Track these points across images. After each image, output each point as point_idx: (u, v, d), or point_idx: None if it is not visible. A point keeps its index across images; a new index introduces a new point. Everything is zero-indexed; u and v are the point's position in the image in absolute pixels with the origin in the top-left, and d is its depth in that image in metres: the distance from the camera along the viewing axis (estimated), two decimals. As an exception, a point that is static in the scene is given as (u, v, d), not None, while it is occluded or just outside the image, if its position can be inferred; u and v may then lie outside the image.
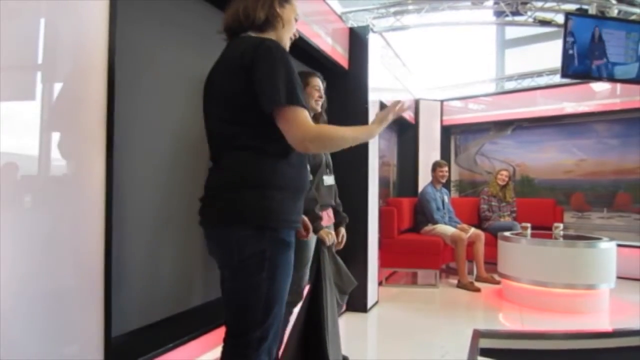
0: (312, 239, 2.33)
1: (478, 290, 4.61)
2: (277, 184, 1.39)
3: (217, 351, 2.10)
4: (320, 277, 2.15)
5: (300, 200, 1.50)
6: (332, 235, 2.31)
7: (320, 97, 2.41)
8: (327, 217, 2.54)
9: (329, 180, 2.52)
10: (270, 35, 1.48)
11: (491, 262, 4.89)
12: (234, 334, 1.43)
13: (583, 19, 3.97)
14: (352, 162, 3.46)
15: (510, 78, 6.96)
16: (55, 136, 1.32)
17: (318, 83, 2.42)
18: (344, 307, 2.46)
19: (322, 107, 2.48)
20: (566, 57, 3.99)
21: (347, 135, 1.42)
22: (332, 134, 1.40)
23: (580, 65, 4.01)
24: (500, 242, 4.48)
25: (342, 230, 2.66)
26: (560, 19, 4.14)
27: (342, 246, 2.61)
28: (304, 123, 1.33)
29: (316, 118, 2.49)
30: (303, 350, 2.17)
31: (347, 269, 2.36)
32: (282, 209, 1.39)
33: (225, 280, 1.45)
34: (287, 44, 1.55)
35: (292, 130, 1.33)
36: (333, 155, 2.60)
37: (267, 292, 1.37)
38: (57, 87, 1.33)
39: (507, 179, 5.70)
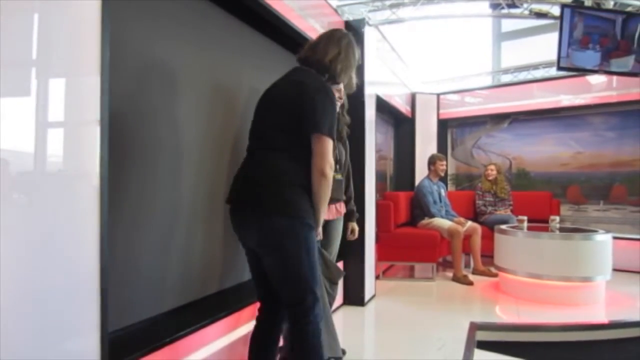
0: (339, 220, 2.68)
1: (471, 283, 4.63)
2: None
3: (214, 346, 2.11)
4: None
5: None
6: (320, 232, 2.35)
7: (340, 98, 2.53)
8: (336, 210, 2.61)
9: (337, 175, 2.60)
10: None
11: (488, 255, 4.91)
12: (292, 303, 1.75)
13: (579, 11, 3.96)
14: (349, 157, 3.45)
15: (506, 71, 6.97)
16: (51, 133, 1.31)
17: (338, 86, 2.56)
18: (336, 297, 2.51)
19: (342, 108, 2.65)
20: (562, 50, 3.99)
21: (326, 196, 1.76)
22: (330, 183, 1.74)
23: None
24: (496, 235, 4.49)
25: (352, 225, 2.86)
26: (556, 11, 4.14)
27: (355, 237, 2.90)
28: (331, 153, 1.74)
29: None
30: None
31: (333, 261, 2.40)
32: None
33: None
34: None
35: (324, 153, 1.72)
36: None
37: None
38: (52, 83, 1.31)
39: (495, 173, 5.67)
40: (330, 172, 1.70)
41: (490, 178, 5.64)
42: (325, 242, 2.57)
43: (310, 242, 1.73)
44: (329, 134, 1.71)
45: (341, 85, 2.54)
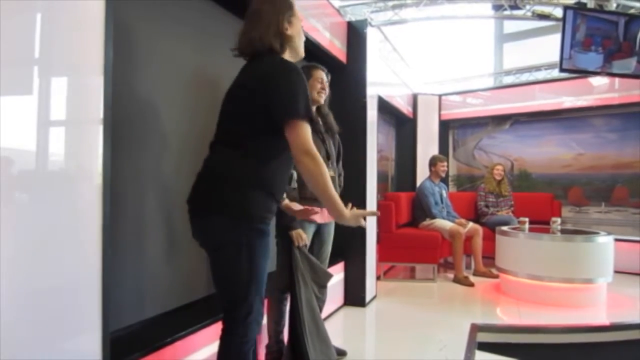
0: (331, 224, 2.57)
1: (472, 284, 4.62)
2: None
3: (216, 346, 2.11)
4: (293, 277, 2.19)
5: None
6: (304, 236, 2.30)
7: (323, 89, 2.44)
8: (327, 215, 2.48)
9: (330, 172, 2.46)
10: (286, 54, 1.69)
11: (489, 257, 4.90)
12: (225, 308, 1.63)
13: (582, 13, 3.96)
14: (350, 157, 3.45)
15: (508, 72, 6.95)
16: (53, 132, 1.31)
17: (321, 75, 2.45)
18: (325, 301, 2.48)
19: (325, 100, 2.51)
20: (565, 51, 3.98)
21: (327, 181, 1.54)
22: (321, 165, 1.52)
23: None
24: (498, 237, 4.49)
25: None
26: (558, 12, 4.13)
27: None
28: (309, 137, 1.53)
29: (319, 110, 2.48)
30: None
31: (320, 264, 2.36)
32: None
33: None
34: (302, 51, 1.78)
35: (299, 140, 1.51)
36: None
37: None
38: (55, 82, 1.32)
39: (502, 173, 5.69)
40: (307, 158, 1.50)
41: (499, 178, 5.64)
42: (318, 245, 2.54)
43: (257, 249, 1.57)
44: (304, 116, 1.52)
45: (322, 74, 2.45)
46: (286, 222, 2.24)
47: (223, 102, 1.71)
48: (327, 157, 2.47)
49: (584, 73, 4.55)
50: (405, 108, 6.20)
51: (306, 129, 1.52)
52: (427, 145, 6.53)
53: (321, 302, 2.40)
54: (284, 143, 1.54)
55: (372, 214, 1.98)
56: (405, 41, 5.92)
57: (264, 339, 2.48)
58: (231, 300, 1.59)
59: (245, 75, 1.68)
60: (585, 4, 4.03)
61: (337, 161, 2.69)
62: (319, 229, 2.48)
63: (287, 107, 1.52)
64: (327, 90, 2.47)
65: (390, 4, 4.34)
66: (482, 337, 1.71)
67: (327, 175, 1.54)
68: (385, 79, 5.08)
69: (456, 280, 4.77)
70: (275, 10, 1.67)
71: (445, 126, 6.92)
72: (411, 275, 5.23)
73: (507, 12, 4.35)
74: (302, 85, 1.56)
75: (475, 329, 1.76)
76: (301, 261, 2.22)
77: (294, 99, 1.52)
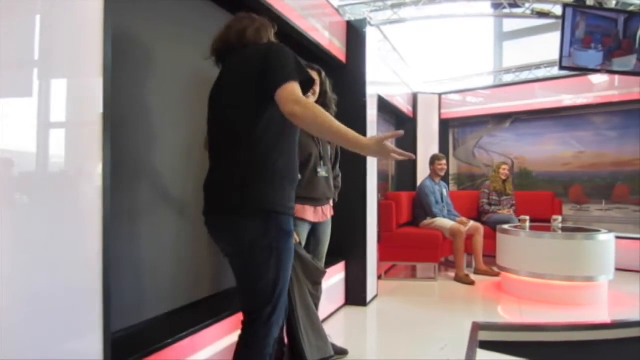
0: (327, 223, 2.54)
1: (473, 283, 4.62)
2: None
3: (218, 346, 2.11)
4: None
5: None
6: (295, 236, 2.26)
7: (314, 92, 2.39)
8: (322, 213, 2.49)
9: (322, 172, 2.47)
10: None
11: (490, 255, 4.90)
12: (248, 310, 1.64)
13: (582, 10, 3.96)
14: (350, 156, 3.44)
15: (508, 71, 6.96)
16: (53, 133, 1.31)
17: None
18: (320, 297, 2.47)
19: (329, 101, 2.49)
20: (564, 49, 3.98)
21: (329, 118, 1.43)
22: (315, 107, 1.44)
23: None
24: (499, 235, 4.49)
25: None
26: (558, 10, 4.13)
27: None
28: (299, 91, 1.47)
29: None
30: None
31: (312, 262, 2.35)
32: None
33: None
34: None
35: (287, 92, 1.44)
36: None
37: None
38: (54, 84, 1.32)
39: (508, 172, 5.69)
40: (297, 107, 1.41)
41: (505, 178, 5.64)
42: (314, 244, 2.51)
43: (284, 252, 1.59)
44: (291, 78, 1.47)
45: (315, 74, 2.39)
46: None
47: (212, 104, 1.73)
48: (320, 158, 2.47)
49: (584, 71, 4.55)
50: (405, 107, 6.20)
51: (295, 86, 1.47)
52: (427, 144, 6.52)
53: (316, 299, 2.41)
54: (288, 125, 1.55)
55: (396, 135, 1.55)
56: (405, 40, 5.93)
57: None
58: (257, 301, 1.60)
59: (231, 68, 1.70)
60: (584, 2, 4.04)
61: (335, 164, 2.69)
62: (314, 228, 2.46)
63: (275, 76, 1.48)
64: (318, 89, 2.43)
65: (390, 3, 4.34)
66: (484, 335, 1.71)
67: (326, 113, 1.44)
68: (385, 78, 5.07)
69: (457, 279, 4.76)
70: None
71: (446, 125, 6.92)
72: (412, 275, 5.23)
73: (507, 11, 4.35)
74: (290, 54, 1.55)
75: (477, 327, 1.76)
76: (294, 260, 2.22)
77: (281, 67, 1.50)
